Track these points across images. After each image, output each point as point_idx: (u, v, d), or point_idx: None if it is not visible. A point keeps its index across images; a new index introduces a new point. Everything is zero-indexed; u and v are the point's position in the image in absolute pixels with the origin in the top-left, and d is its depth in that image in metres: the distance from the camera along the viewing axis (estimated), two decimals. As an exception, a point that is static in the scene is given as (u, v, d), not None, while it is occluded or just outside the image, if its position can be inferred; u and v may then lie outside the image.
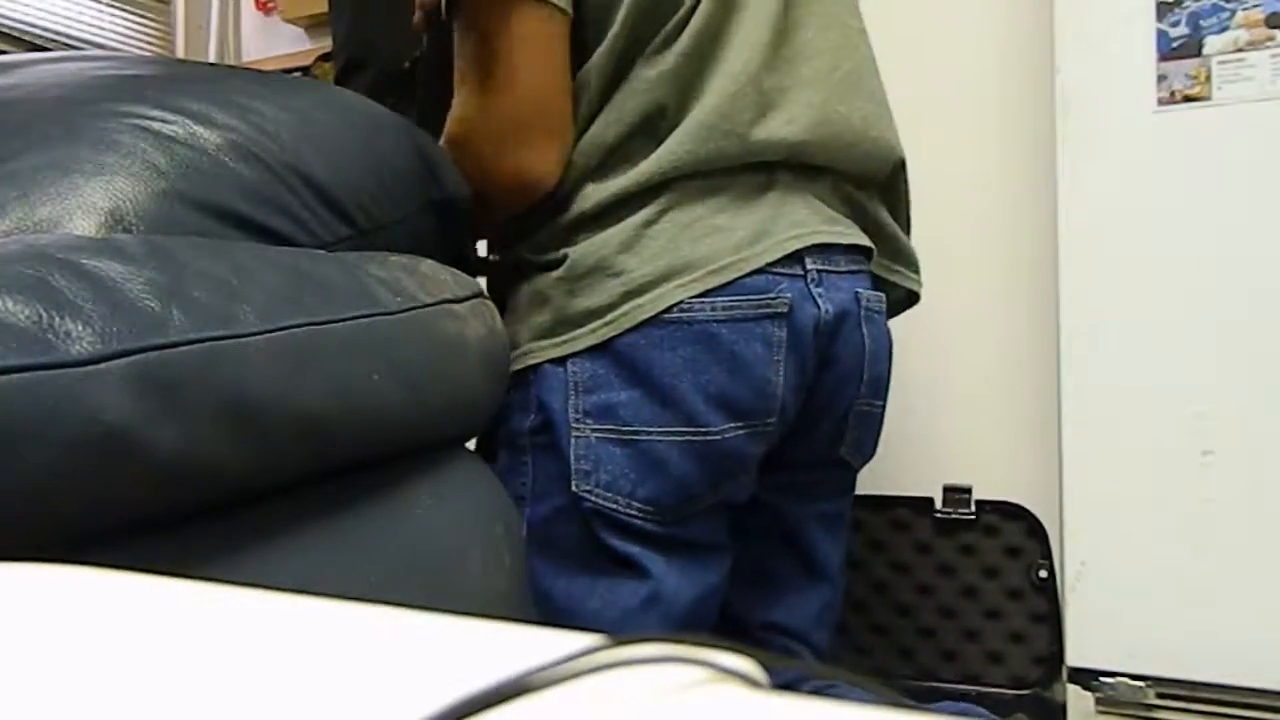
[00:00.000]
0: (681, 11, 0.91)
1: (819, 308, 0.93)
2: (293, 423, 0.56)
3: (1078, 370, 1.31)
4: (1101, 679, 1.27)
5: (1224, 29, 1.26)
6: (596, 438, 0.90)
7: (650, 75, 0.91)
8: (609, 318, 0.90)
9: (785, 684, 0.22)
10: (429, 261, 0.76)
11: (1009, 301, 1.53)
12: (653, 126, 0.92)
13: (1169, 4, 1.28)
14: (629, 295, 0.89)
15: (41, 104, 0.66)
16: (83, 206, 0.58)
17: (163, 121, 0.64)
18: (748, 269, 0.90)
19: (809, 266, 0.93)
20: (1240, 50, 1.25)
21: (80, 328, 0.45)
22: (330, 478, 0.63)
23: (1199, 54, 1.27)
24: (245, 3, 2.77)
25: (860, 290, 0.98)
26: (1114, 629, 1.26)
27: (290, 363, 0.55)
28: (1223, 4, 1.26)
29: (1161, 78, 1.28)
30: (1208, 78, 1.26)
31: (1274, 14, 1.24)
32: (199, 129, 0.65)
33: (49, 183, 0.58)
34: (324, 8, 2.26)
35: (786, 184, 0.96)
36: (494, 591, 0.75)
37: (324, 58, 2.53)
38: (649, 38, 0.91)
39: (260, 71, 0.80)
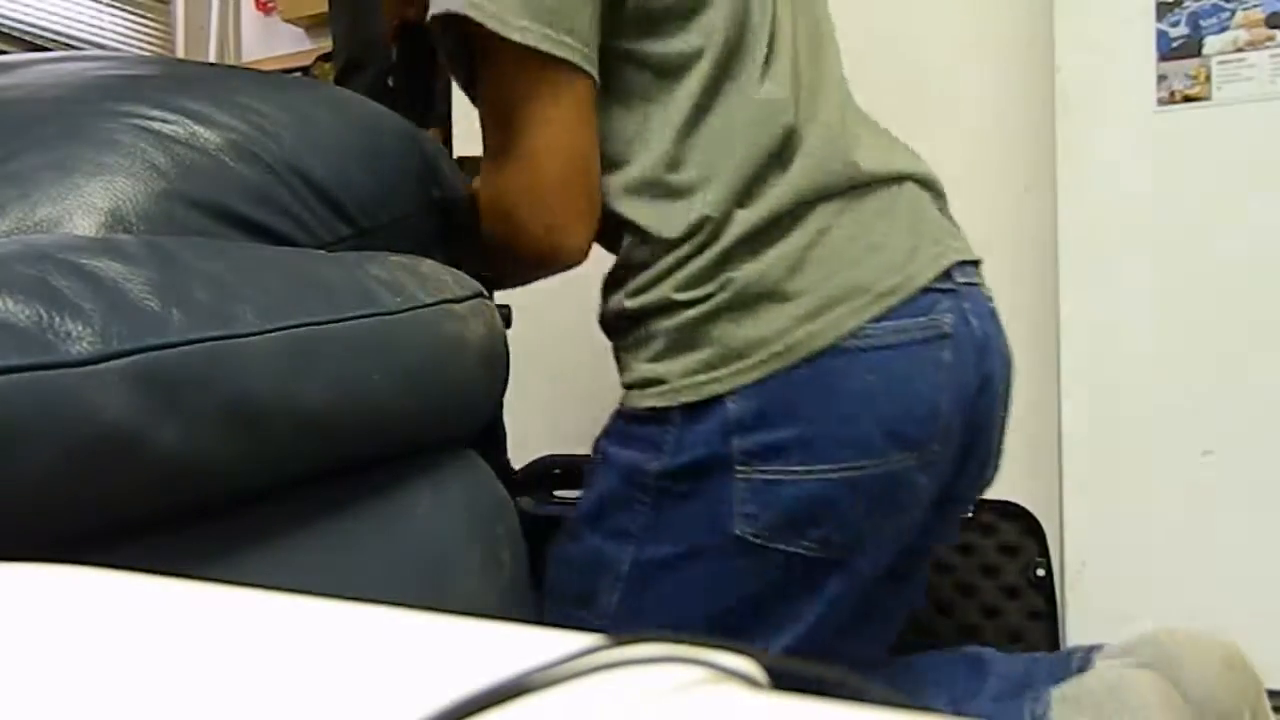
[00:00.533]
0: (772, 42, 0.89)
1: (970, 324, 0.88)
2: (293, 423, 0.56)
3: (1077, 369, 1.31)
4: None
5: (1224, 29, 1.26)
6: (763, 480, 0.83)
7: (770, 100, 0.87)
8: (780, 347, 0.83)
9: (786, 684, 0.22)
10: (429, 261, 0.76)
11: (1009, 300, 1.53)
12: (784, 150, 0.87)
13: (1169, 4, 1.28)
14: (802, 321, 0.83)
15: (41, 104, 0.66)
16: (83, 206, 0.58)
17: (163, 121, 0.64)
18: (912, 288, 0.85)
19: (958, 281, 0.89)
20: (1240, 50, 1.25)
21: (80, 328, 0.45)
22: (330, 478, 0.63)
23: (1199, 54, 1.27)
24: (245, 3, 2.77)
25: (990, 302, 0.94)
26: (1114, 628, 1.26)
27: (290, 363, 0.55)
28: (1223, 4, 1.26)
29: (1161, 78, 1.28)
30: (1208, 78, 1.26)
31: (1274, 14, 1.24)
32: (199, 129, 0.65)
33: (49, 183, 0.58)
34: (324, 8, 2.26)
35: (912, 194, 0.92)
36: (494, 591, 0.75)
37: (324, 58, 2.53)
38: (738, 71, 0.87)
39: (260, 71, 0.80)
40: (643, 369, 0.87)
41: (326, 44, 2.41)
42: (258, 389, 0.53)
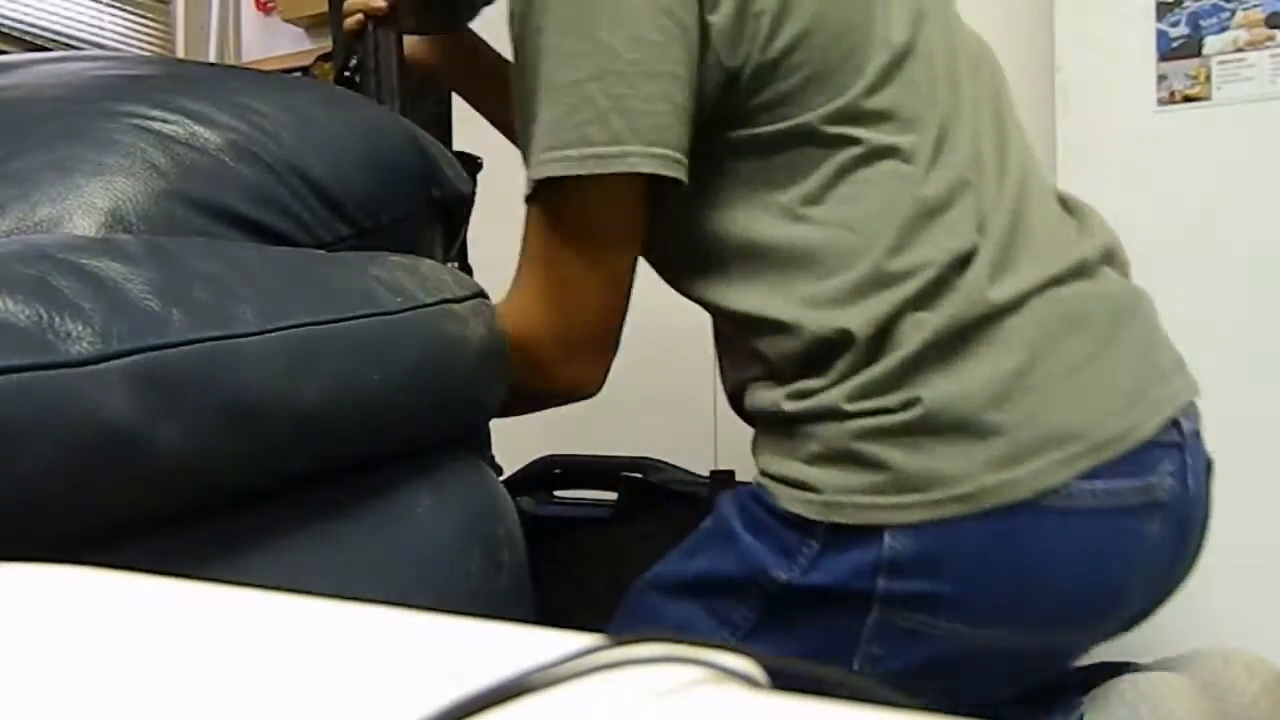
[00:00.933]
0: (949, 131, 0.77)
1: (1187, 485, 0.74)
2: (293, 423, 0.56)
3: (1078, 370, 1.31)
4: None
5: (1224, 29, 1.26)
6: (901, 628, 0.72)
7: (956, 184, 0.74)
8: (964, 490, 0.69)
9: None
10: (429, 261, 0.76)
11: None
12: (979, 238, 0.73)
13: (1169, 4, 1.28)
14: (997, 465, 0.69)
15: (41, 104, 0.66)
16: (83, 206, 0.58)
17: (163, 121, 0.64)
18: (1134, 441, 0.70)
19: (1185, 430, 0.75)
20: (1240, 50, 1.25)
21: (80, 328, 0.45)
22: (330, 478, 0.63)
23: (1199, 54, 1.27)
24: (245, 3, 2.77)
25: (1209, 457, 0.79)
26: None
27: (290, 363, 0.55)
28: (1223, 4, 1.26)
29: (1161, 78, 1.28)
30: (1208, 78, 1.26)
31: (1274, 14, 1.24)
32: (199, 129, 0.65)
33: (49, 183, 0.58)
34: (324, 8, 2.26)
35: (1142, 311, 0.78)
36: (494, 591, 0.75)
37: (324, 58, 2.53)
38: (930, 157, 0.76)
39: (260, 71, 0.80)
40: (792, 468, 0.75)
41: (326, 44, 2.41)
42: (258, 389, 0.53)
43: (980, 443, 0.69)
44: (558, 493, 1.34)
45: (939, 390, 0.70)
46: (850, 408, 0.72)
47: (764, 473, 0.78)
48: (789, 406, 0.75)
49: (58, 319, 0.45)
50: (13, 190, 0.57)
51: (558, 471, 1.34)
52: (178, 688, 0.23)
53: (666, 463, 1.33)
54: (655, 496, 1.32)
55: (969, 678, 0.73)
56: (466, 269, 1.00)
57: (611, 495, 1.33)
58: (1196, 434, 0.77)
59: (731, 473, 1.30)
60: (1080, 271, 0.76)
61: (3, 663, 0.25)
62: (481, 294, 0.78)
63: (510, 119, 0.84)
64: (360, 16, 1.04)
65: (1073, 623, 0.73)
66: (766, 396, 0.78)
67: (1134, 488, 0.70)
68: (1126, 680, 0.81)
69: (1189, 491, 0.74)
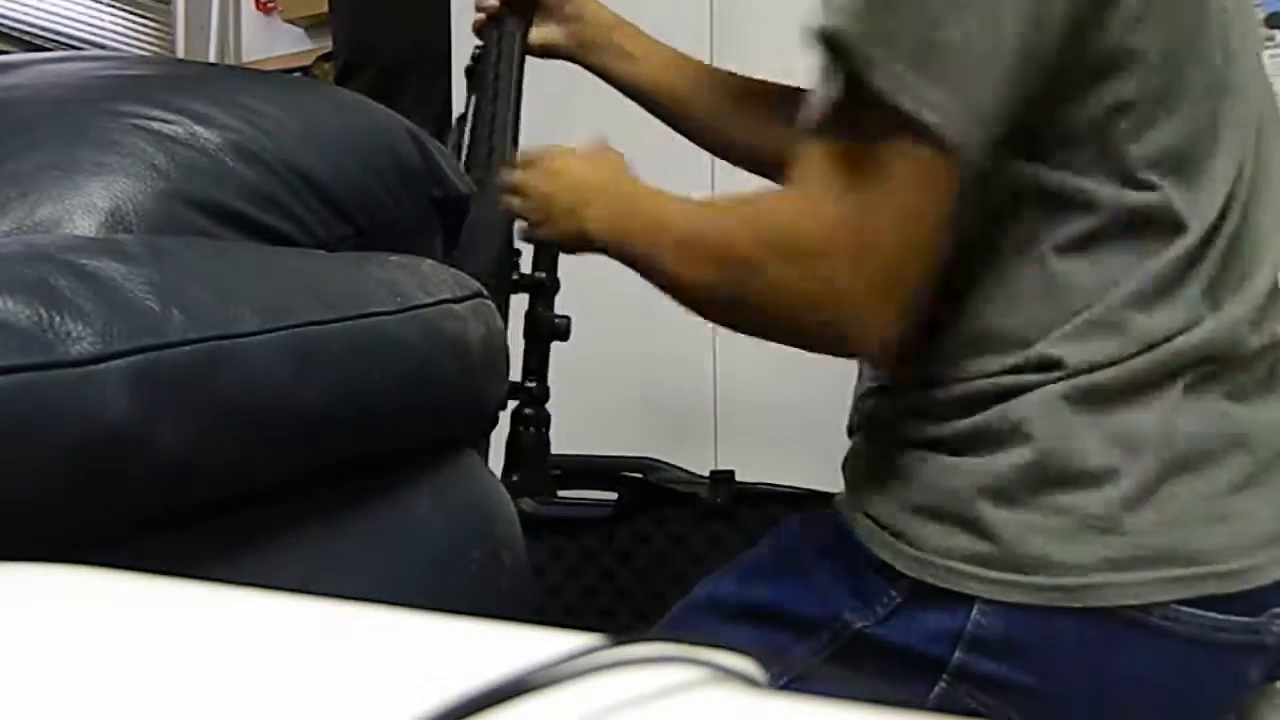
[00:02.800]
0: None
1: None
2: (293, 423, 0.56)
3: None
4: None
5: (1224, 29, 1.26)
6: (968, 704, 0.67)
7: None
8: (1070, 582, 0.64)
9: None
10: (429, 261, 0.76)
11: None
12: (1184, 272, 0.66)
13: (1169, 4, 1.28)
14: (1110, 566, 0.64)
15: (41, 104, 0.66)
16: (83, 206, 0.58)
17: (163, 121, 0.64)
18: (1259, 581, 0.65)
19: None
20: (1240, 50, 1.25)
21: (80, 328, 0.45)
22: (330, 478, 0.63)
23: (1199, 54, 1.27)
24: (245, 3, 2.78)
25: None
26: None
27: (290, 363, 0.55)
28: (1223, 4, 1.26)
29: (1161, 78, 1.28)
30: (1208, 78, 1.26)
31: (1274, 14, 1.24)
32: (199, 129, 0.65)
33: (49, 183, 0.58)
34: (324, 8, 2.27)
35: None
36: (494, 591, 0.75)
37: (324, 58, 2.53)
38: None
39: (260, 71, 0.80)
40: (886, 510, 0.70)
41: (326, 44, 2.41)
42: (258, 389, 0.53)
43: (1100, 538, 0.64)
44: (558, 493, 1.34)
45: (1058, 460, 0.65)
46: (955, 432, 0.67)
47: (849, 505, 0.73)
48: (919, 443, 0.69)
49: (58, 319, 0.45)
50: (13, 190, 0.57)
51: (558, 471, 1.34)
52: (178, 688, 0.23)
53: (666, 463, 1.33)
54: (655, 496, 1.32)
55: None
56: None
57: (611, 495, 1.33)
58: None
59: (731, 473, 1.30)
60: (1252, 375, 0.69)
61: (3, 663, 0.25)
62: (481, 294, 0.78)
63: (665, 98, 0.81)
64: (494, 3, 0.96)
65: None
66: (907, 428, 0.71)
67: (1242, 626, 0.65)
68: None
69: None
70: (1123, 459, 0.65)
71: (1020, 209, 0.68)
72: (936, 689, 0.68)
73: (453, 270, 0.79)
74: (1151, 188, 0.65)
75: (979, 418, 0.68)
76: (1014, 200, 0.68)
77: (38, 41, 2.52)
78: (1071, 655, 0.65)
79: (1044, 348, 0.66)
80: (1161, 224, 0.66)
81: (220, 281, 0.54)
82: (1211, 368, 0.67)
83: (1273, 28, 1.24)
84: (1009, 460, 0.66)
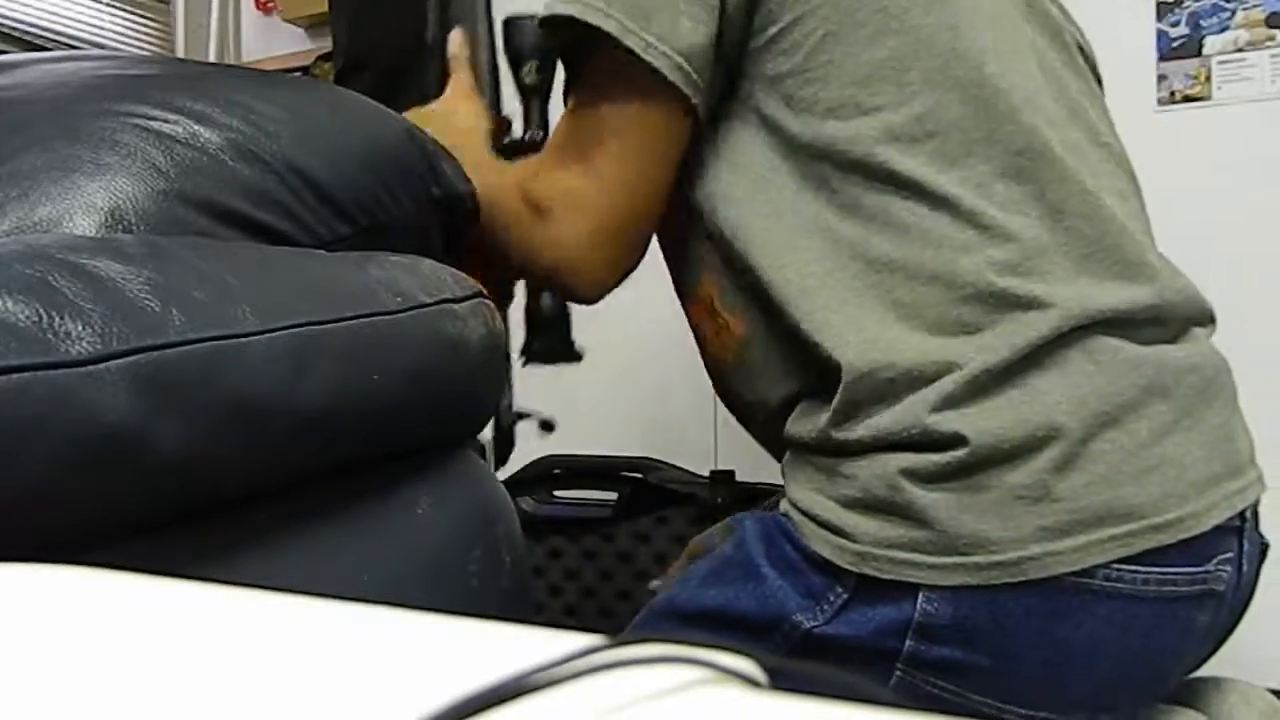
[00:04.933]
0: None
1: (1241, 573, 0.70)
2: (292, 423, 0.56)
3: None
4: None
5: (1224, 29, 1.26)
6: (927, 690, 0.68)
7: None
8: (1008, 557, 0.64)
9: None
10: (429, 261, 0.76)
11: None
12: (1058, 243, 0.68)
13: (1169, 4, 1.28)
14: (1045, 535, 0.64)
15: (41, 104, 0.66)
16: (83, 206, 0.58)
17: (163, 121, 0.64)
18: (1196, 530, 0.65)
19: (1247, 517, 0.70)
20: (1240, 50, 1.25)
21: (80, 328, 0.45)
22: (330, 478, 0.63)
23: (1199, 54, 1.27)
24: (245, 3, 2.77)
25: (1265, 541, 0.75)
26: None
27: (290, 363, 0.55)
28: (1223, 4, 1.26)
29: (1161, 78, 1.28)
30: (1208, 78, 1.26)
31: (1274, 14, 1.24)
32: (199, 129, 0.65)
33: (49, 182, 0.58)
34: (324, 8, 2.27)
35: (1226, 387, 0.73)
36: (494, 591, 0.75)
37: (324, 58, 2.53)
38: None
39: (260, 71, 0.80)
40: (825, 508, 0.70)
41: (326, 44, 2.41)
42: (258, 389, 0.53)
43: (1033, 508, 0.64)
44: (558, 493, 1.34)
45: (988, 438, 0.65)
46: (882, 435, 0.67)
47: (792, 504, 0.73)
48: (837, 434, 0.70)
49: (58, 319, 0.45)
50: (13, 190, 0.57)
51: (558, 471, 1.34)
52: (178, 688, 0.23)
53: (666, 463, 1.33)
54: (655, 496, 1.32)
55: None
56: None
57: (611, 495, 1.33)
58: (1256, 516, 0.72)
59: (731, 472, 1.30)
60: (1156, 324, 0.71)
61: (3, 663, 0.25)
62: (481, 294, 0.78)
63: None
64: None
65: (1106, 707, 0.69)
66: (802, 421, 0.74)
67: (1189, 576, 0.66)
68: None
69: (1241, 579, 0.70)
70: (1018, 398, 0.65)
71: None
72: (893, 680, 0.68)
73: (453, 270, 0.79)
74: None
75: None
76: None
77: (38, 41, 2.52)
78: (1021, 630, 0.65)
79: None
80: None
81: (220, 281, 0.54)
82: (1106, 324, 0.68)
83: (1273, 27, 1.24)
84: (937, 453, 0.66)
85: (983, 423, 0.65)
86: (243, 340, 0.52)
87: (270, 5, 2.70)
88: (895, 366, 0.67)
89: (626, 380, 1.48)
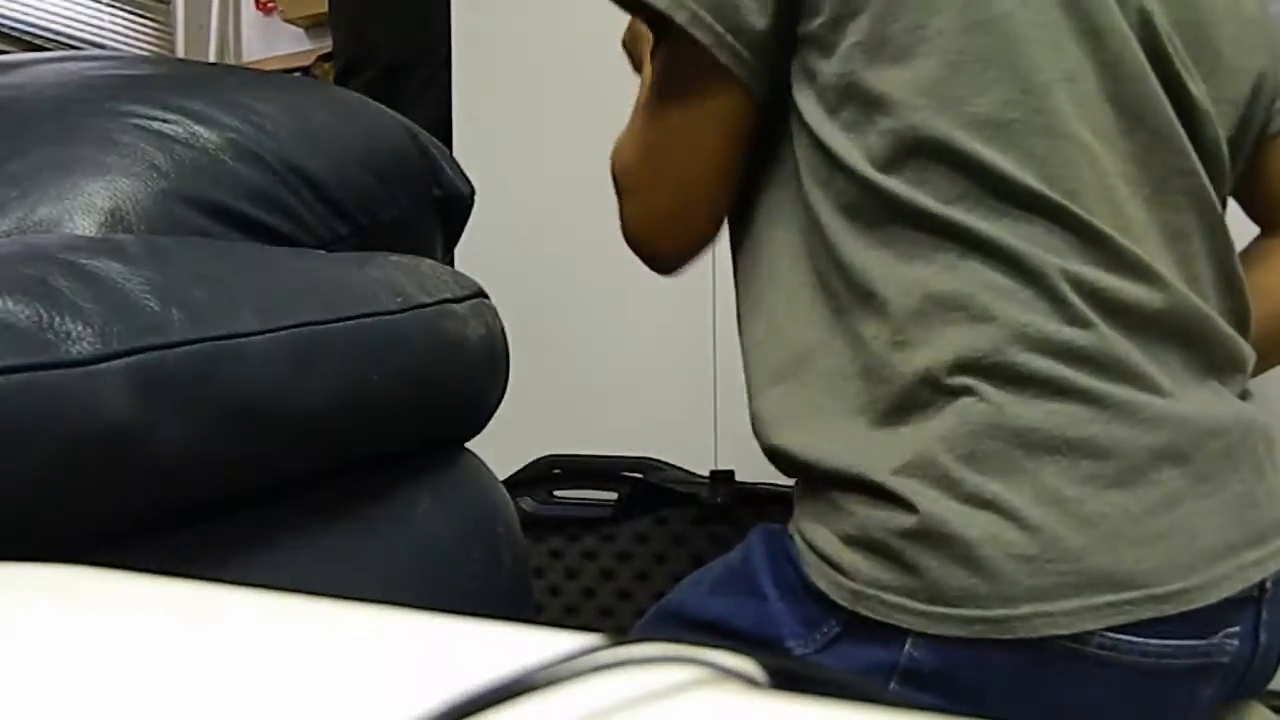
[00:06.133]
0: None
1: (1257, 640, 0.65)
2: (292, 423, 0.56)
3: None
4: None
5: (1224, 29, 1.26)
6: None
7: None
8: (998, 614, 0.61)
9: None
10: (429, 261, 0.76)
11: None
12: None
13: (1169, 4, 1.28)
14: (1036, 594, 0.61)
15: (41, 104, 0.66)
16: (83, 206, 0.58)
17: (163, 121, 0.64)
18: (1201, 603, 0.61)
19: (1268, 587, 0.65)
20: (1240, 50, 1.25)
21: (80, 328, 0.45)
22: (330, 478, 0.63)
23: (1199, 54, 1.27)
24: (245, 3, 2.78)
25: None
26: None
27: (290, 363, 0.55)
28: (1223, 4, 1.26)
29: (1161, 78, 1.28)
30: (1208, 78, 1.26)
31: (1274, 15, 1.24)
32: (199, 129, 0.65)
33: (49, 183, 0.58)
34: (324, 8, 2.27)
35: (1241, 436, 0.67)
36: (494, 591, 0.75)
37: (324, 58, 2.53)
38: None
39: (260, 71, 0.80)
40: (826, 540, 0.69)
41: (326, 44, 2.41)
42: (257, 389, 0.53)
43: (1025, 566, 0.61)
44: (558, 493, 1.34)
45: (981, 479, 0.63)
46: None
47: (800, 533, 0.72)
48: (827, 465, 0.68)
49: (58, 319, 0.45)
50: (13, 190, 0.57)
51: (558, 471, 1.34)
52: (178, 688, 0.23)
53: (666, 463, 1.33)
54: (655, 496, 1.32)
55: None
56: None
57: (611, 495, 1.33)
58: (1278, 584, 0.67)
59: (731, 472, 1.30)
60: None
61: (3, 663, 0.25)
62: (481, 294, 0.78)
63: None
64: None
65: None
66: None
67: (1192, 648, 0.62)
68: None
69: (1257, 646, 0.66)
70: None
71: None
72: None
73: (453, 270, 0.79)
74: None
75: None
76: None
77: (38, 41, 2.52)
78: (1008, 687, 0.63)
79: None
80: None
81: (220, 281, 0.54)
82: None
83: (1273, 28, 1.24)
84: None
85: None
86: (243, 340, 0.52)
87: (270, 5, 2.70)
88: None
89: (626, 380, 1.48)
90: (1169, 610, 0.61)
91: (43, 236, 0.55)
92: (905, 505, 0.63)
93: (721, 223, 0.78)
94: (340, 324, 0.60)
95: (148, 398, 0.47)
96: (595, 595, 1.35)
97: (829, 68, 0.68)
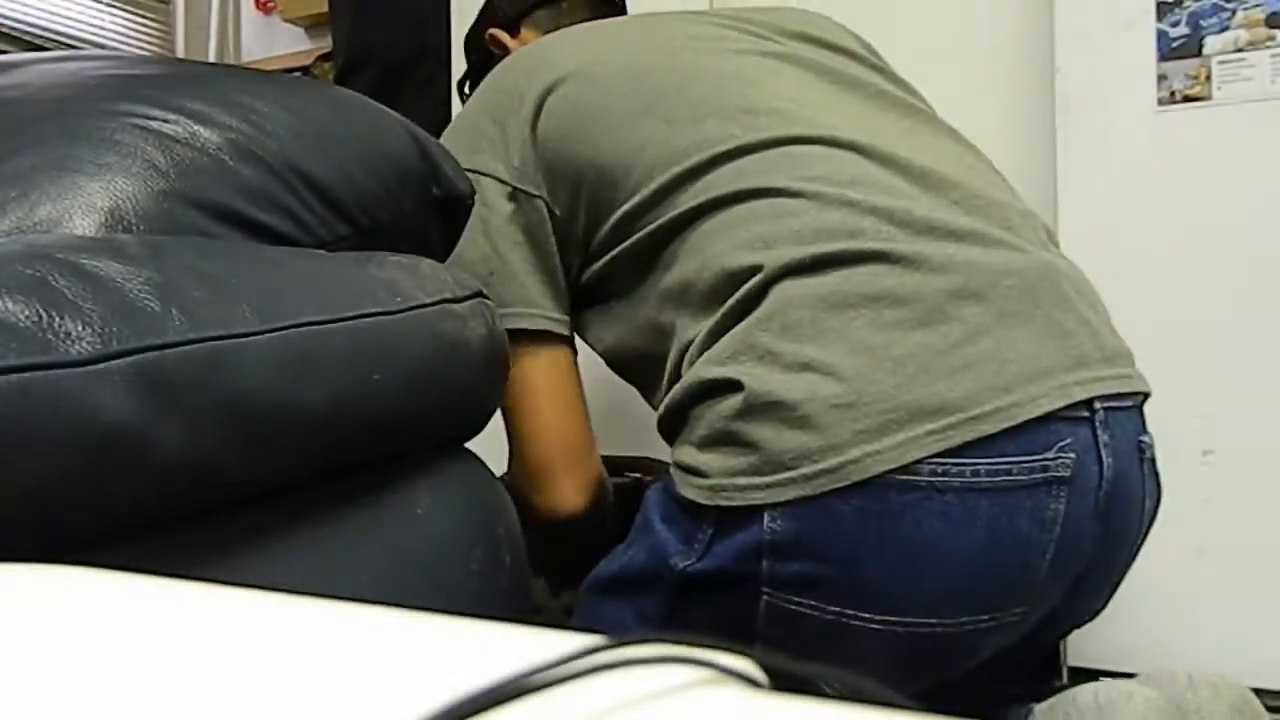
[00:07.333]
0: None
1: (1101, 463, 0.70)
2: (292, 423, 0.56)
3: (1078, 370, 1.30)
4: (1101, 679, 1.27)
5: (1224, 29, 1.26)
6: (791, 610, 0.70)
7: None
8: (831, 464, 0.66)
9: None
10: (429, 261, 0.76)
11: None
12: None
13: (1169, 4, 1.28)
14: (863, 436, 0.65)
15: (41, 104, 0.66)
16: (83, 206, 0.58)
17: (163, 121, 0.64)
18: (1022, 417, 0.66)
19: (1098, 406, 0.70)
20: (1240, 50, 1.25)
21: (80, 328, 0.45)
22: (330, 478, 0.63)
23: (1199, 54, 1.27)
24: (245, 3, 2.77)
25: (1143, 438, 0.75)
26: (1114, 629, 1.26)
27: (290, 363, 0.55)
28: (1223, 4, 1.26)
29: (1161, 78, 1.28)
30: (1208, 78, 1.26)
31: (1274, 14, 1.24)
32: (199, 129, 0.65)
33: (49, 183, 0.58)
34: (324, 8, 2.27)
35: (1049, 277, 0.73)
36: (494, 591, 0.75)
37: (324, 58, 2.53)
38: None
39: (260, 71, 0.80)
40: (687, 453, 0.75)
41: (326, 44, 2.41)
42: (258, 389, 0.53)
43: (843, 414, 0.66)
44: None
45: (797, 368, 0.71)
46: (712, 377, 0.73)
47: (673, 461, 0.79)
48: (673, 394, 0.78)
49: (58, 319, 0.45)
50: (13, 190, 0.57)
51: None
52: (177, 688, 0.23)
53: (667, 463, 1.33)
54: (655, 496, 1.31)
55: (876, 666, 0.69)
56: None
57: (611, 495, 1.33)
58: (1125, 418, 0.72)
59: (731, 473, 1.29)
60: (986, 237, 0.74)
61: (3, 663, 0.25)
62: (481, 294, 0.78)
63: None
64: None
65: (970, 607, 0.68)
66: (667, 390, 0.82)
67: (1023, 464, 0.66)
68: (1086, 691, 0.78)
69: (1104, 471, 0.70)
70: (824, 327, 0.69)
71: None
72: (762, 604, 0.70)
73: (453, 270, 0.79)
74: None
75: None
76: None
77: (38, 41, 2.52)
78: (860, 535, 0.66)
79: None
80: None
81: (220, 281, 0.54)
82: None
83: (1273, 27, 1.24)
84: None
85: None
86: (243, 340, 0.52)
87: (270, 5, 2.70)
88: None
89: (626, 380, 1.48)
90: (988, 429, 0.65)
91: (42, 236, 0.55)
92: (736, 386, 0.70)
93: (594, 458, 0.91)
94: (340, 324, 0.60)
95: (147, 398, 0.47)
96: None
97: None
